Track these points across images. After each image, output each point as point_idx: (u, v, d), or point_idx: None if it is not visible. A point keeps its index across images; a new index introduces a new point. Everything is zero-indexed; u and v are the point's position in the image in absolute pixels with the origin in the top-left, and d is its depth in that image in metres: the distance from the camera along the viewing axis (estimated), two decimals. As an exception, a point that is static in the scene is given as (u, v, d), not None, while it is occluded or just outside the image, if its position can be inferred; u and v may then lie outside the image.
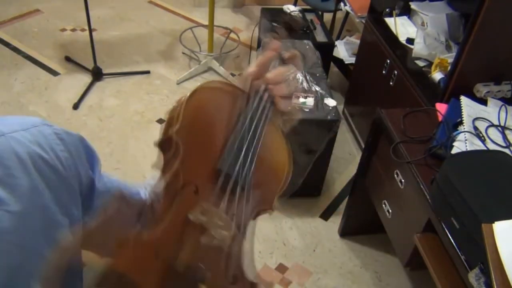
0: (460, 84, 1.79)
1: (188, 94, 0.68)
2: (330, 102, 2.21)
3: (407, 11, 2.39)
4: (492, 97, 1.78)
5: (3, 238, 0.57)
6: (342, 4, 2.92)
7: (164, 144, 0.68)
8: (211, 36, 3.17)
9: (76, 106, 2.93)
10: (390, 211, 1.78)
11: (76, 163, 0.69)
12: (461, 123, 1.65)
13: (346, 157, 2.76)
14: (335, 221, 2.37)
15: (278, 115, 0.74)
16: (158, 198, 0.68)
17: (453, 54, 2.00)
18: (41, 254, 0.62)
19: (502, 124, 1.67)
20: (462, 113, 1.67)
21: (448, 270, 1.42)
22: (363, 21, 2.62)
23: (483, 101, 1.77)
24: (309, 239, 2.29)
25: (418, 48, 2.10)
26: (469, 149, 1.53)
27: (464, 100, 1.73)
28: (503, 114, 1.71)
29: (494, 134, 1.63)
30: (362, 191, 2.04)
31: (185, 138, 0.66)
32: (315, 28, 2.96)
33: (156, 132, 2.81)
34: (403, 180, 1.65)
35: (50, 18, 3.78)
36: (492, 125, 1.66)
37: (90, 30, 2.91)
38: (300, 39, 2.67)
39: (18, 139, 0.62)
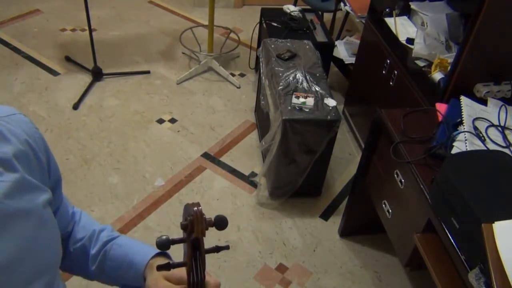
0: (460, 84, 1.79)
1: None
2: (330, 102, 2.21)
3: (407, 11, 2.39)
4: (492, 97, 1.78)
5: (2, 201, 0.67)
6: (342, 4, 2.92)
7: None
8: (211, 36, 3.17)
9: (76, 106, 2.93)
10: (390, 211, 1.78)
11: (47, 149, 0.81)
12: (461, 123, 1.65)
13: (346, 157, 2.76)
14: (335, 221, 2.37)
15: None
16: None
17: (453, 54, 2.00)
18: (40, 216, 0.73)
19: (502, 124, 1.67)
20: (462, 113, 1.67)
21: (448, 270, 1.42)
22: (363, 21, 2.62)
23: (483, 101, 1.76)
24: (309, 239, 2.29)
25: (418, 48, 2.09)
26: (469, 149, 1.53)
27: (464, 100, 1.73)
28: (503, 114, 1.71)
29: (494, 134, 1.63)
30: (362, 191, 2.04)
31: None
32: (315, 28, 2.96)
33: (156, 132, 2.81)
34: (403, 180, 1.65)
35: (50, 18, 3.78)
36: (492, 125, 1.66)
37: (90, 30, 2.91)
38: (300, 39, 2.67)
39: (4, 124, 0.72)
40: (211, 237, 2.16)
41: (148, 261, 0.87)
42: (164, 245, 0.70)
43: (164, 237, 0.70)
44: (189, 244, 0.71)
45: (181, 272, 0.77)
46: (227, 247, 0.74)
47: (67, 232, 0.93)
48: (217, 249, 0.74)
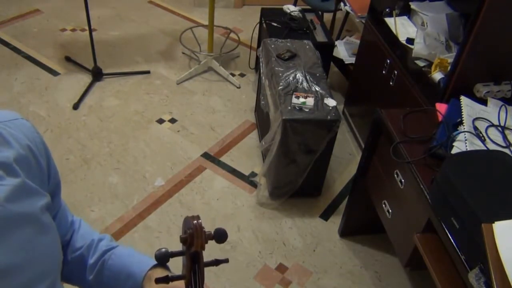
0: (460, 84, 1.79)
1: None
2: (330, 102, 2.21)
3: (407, 11, 2.39)
4: (492, 97, 1.78)
5: (3, 204, 0.67)
6: (342, 4, 2.92)
7: None
8: (211, 36, 3.17)
9: (76, 106, 2.93)
10: (390, 211, 1.78)
11: (48, 154, 0.81)
12: (461, 123, 1.65)
13: (346, 157, 2.76)
14: (335, 221, 2.37)
15: None
16: None
17: (453, 54, 1.99)
18: (39, 220, 0.73)
19: (502, 124, 1.67)
20: (462, 113, 1.67)
21: (448, 270, 1.42)
22: (363, 21, 2.62)
23: (483, 101, 1.76)
24: (309, 239, 2.29)
25: (418, 48, 2.09)
26: (469, 149, 1.53)
27: (464, 100, 1.73)
28: (503, 114, 1.71)
29: (494, 134, 1.63)
30: (362, 191, 2.04)
31: None
32: (315, 28, 2.96)
33: (156, 132, 2.81)
34: (403, 180, 1.65)
35: (50, 18, 3.78)
36: (492, 125, 1.66)
37: (90, 30, 2.91)
38: (300, 39, 2.67)
39: (6, 129, 0.73)
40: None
41: (147, 272, 0.87)
42: (163, 258, 0.70)
43: (163, 250, 0.70)
44: (188, 257, 0.71)
45: (180, 284, 0.77)
46: (226, 261, 0.75)
47: (65, 240, 0.92)
48: (216, 263, 0.75)
